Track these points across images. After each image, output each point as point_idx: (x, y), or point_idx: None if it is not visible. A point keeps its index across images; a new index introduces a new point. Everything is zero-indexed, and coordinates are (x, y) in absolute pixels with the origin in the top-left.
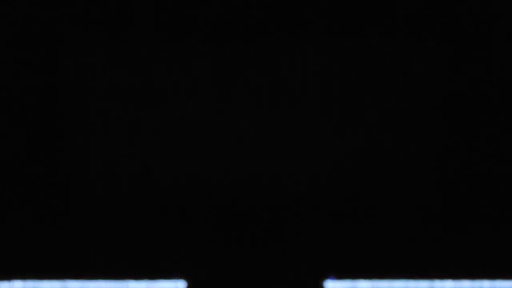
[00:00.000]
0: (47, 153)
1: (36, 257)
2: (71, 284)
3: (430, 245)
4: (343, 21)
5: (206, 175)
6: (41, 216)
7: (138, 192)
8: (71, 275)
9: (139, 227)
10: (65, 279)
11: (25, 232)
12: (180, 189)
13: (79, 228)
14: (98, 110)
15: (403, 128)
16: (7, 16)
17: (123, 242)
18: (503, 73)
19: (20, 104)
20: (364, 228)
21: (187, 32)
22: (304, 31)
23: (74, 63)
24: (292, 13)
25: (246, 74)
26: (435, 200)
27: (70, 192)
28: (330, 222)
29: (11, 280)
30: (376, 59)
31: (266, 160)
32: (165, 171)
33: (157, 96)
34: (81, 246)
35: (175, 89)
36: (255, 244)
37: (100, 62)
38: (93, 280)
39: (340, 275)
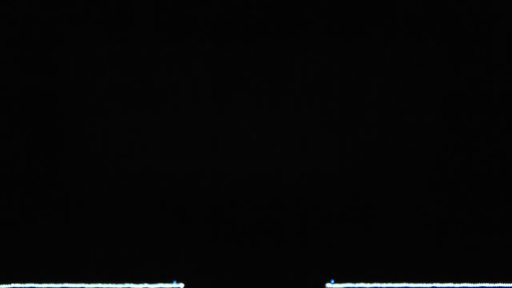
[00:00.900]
0: (47, 153)
1: (35, 260)
2: None
3: (430, 247)
4: (343, 21)
5: (206, 175)
6: (40, 218)
7: (137, 193)
8: (70, 278)
9: (138, 230)
10: (64, 283)
11: (25, 234)
12: (180, 190)
13: (78, 231)
14: (98, 110)
15: (403, 128)
16: (7, 16)
17: (122, 245)
18: (503, 73)
19: (20, 104)
20: (364, 229)
21: (187, 32)
22: (304, 31)
23: (74, 63)
24: (292, 13)
25: (246, 74)
26: (435, 200)
27: (70, 193)
28: (330, 223)
29: (10, 284)
30: (376, 59)
31: (266, 160)
32: (164, 171)
33: (157, 96)
34: (79, 249)
35: (175, 89)
36: (254, 247)
37: (100, 62)
38: (92, 284)
39: (341, 278)
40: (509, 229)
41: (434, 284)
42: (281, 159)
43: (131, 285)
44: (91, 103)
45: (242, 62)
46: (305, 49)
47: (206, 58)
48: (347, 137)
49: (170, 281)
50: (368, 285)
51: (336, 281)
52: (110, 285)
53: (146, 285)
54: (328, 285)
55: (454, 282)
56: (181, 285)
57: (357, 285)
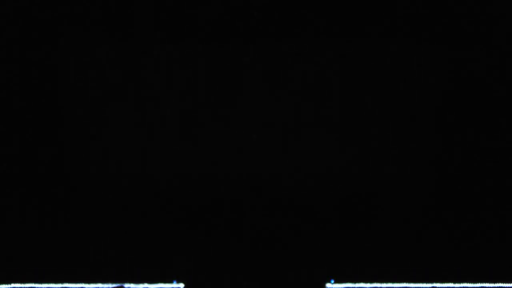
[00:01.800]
0: (46, 153)
1: (35, 260)
2: None
3: (430, 247)
4: (343, 21)
5: (206, 175)
6: (40, 218)
7: (137, 193)
8: (70, 278)
9: (138, 230)
10: (64, 283)
11: (25, 234)
12: (180, 190)
13: (78, 231)
14: (98, 110)
15: (403, 128)
16: (7, 16)
17: (122, 245)
18: (503, 73)
19: (20, 104)
20: (364, 229)
21: (187, 32)
22: (304, 31)
23: (74, 63)
24: (292, 13)
25: (246, 74)
26: (435, 201)
27: (69, 193)
28: (330, 223)
29: (10, 284)
30: (376, 59)
31: (266, 160)
32: (165, 171)
33: (157, 95)
34: (79, 249)
35: (175, 89)
36: (254, 247)
37: (99, 62)
38: (92, 284)
39: (341, 278)
40: (509, 229)
41: (434, 284)
42: (281, 159)
43: (131, 285)
44: (91, 103)
45: (242, 62)
46: (305, 49)
47: (206, 58)
48: (347, 137)
49: (170, 281)
50: (368, 285)
51: (336, 281)
52: (110, 285)
53: (146, 285)
54: (328, 285)
55: (454, 282)
56: (181, 285)
57: (357, 285)
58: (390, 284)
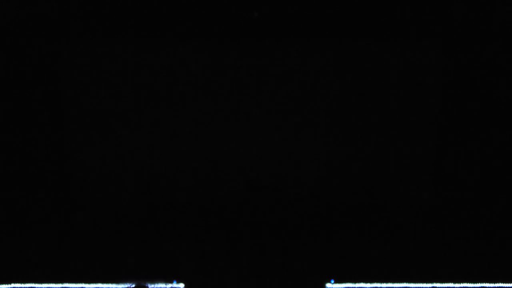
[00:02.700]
0: (47, 154)
1: (35, 260)
2: None
3: (431, 247)
4: (343, 21)
5: (206, 176)
6: (41, 219)
7: (137, 193)
8: (70, 278)
9: (138, 230)
10: (64, 283)
11: (25, 234)
12: (180, 191)
13: (78, 231)
14: (98, 110)
15: (403, 128)
16: (7, 16)
17: (122, 245)
18: (503, 74)
19: (20, 104)
20: (365, 230)
21: (187, 32)
22: (304, 31)
23: (74, 63)
24: (292, 13)
25: (246, 74)
26: (435, 201)
27: (70, 194)
28: (331, 224)
29: (10, 284)
30: (376, 59)
31: (266, 161)
32: (166, 172)
33: (157, 95)
34: (79, 249)
35: (174, 89)
36: (255, 248)
37: (100, 62)
38: (92, 284)
39: (341, 278)
40: (509, 229)
41: (434, 284)
42: (282, 160)
43: (131, 285)
44: (91, 103)
45: (242, 62)
46: (306, 49)
47: (206, 58)
48: (347, 137)
49: (170, 281)
50: (368, 285)
51: (336, 281)
52: (110, 285)
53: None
54: (328, 285)
55: (454, 282)
56: (181, 285)
57: (357, 285)
58: (390, 284)
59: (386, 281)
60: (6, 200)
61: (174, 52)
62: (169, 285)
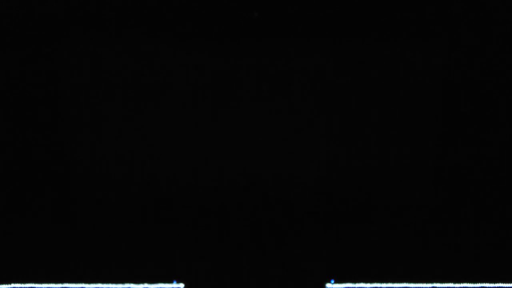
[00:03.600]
0: (47, 154)
1: (35, 260)
2: None
3: (431, 247)
4: (343, 21)
5: (206, 176)
6: (41, 218)
7: (138, 193)
8: (70, 278)
9: (138, 230)
10: (64, 283)
11: (25, 234)
12: (180, 190)
13: (78, 231)
14: (98, 110)
15: (403, 128)
16: (8, 16)
17: (122, 245)
18: (503, 74)
19: (20, 104)
20: (364, 229)
21: (187, 32)
22: (304, 31)
23: (74, 62)
24: (292, 13)
25: (246, 74)
26: (435, 201)
27: (70, 193)
28: (330, 223)
29: (10, 284)
30: (376, 59)
31: (266, 161)
32: (165, 172)
33: (157, 95)
34: (80, 249)
35: (174, 89)
36: (254, 247)
37: (99, 62)
38: (92, 284)
39: (341, 278)
40: (509, 229)
41: (434, 284)
42: (281, 159)
43: (131, 285)
44: (90, 102)
45: (243, 62)
46: (305, 49)
47: (206, 58)
48: (347, 137)
49: (170, 281)
50: (368, 285)
51: (336, 281)
52: (110, 285)
53: (146, 285)
54: (328, 285)
55: (454, 282)
56: (181, 285)
57: (357, 285)
58: (390, 284)
59: (386, 281)
60: (6, 200)
61: (174, 52)
62: (169, 285)
